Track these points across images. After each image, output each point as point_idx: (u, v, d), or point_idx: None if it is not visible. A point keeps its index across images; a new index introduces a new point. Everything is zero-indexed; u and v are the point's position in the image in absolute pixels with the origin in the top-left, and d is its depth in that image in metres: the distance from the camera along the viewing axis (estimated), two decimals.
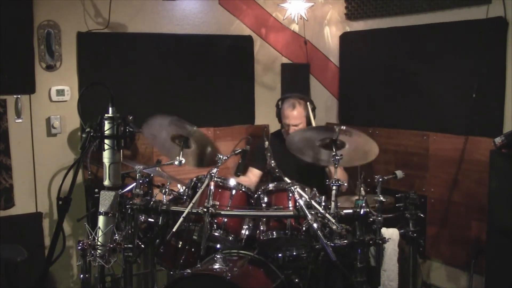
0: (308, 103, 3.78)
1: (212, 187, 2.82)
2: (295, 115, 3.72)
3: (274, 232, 2.96)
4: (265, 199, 3.07)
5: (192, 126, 3.09)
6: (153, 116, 3.15)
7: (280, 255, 3.09)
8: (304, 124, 3.76)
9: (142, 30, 3.98)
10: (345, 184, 3.06)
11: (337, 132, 2.93)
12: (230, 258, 3.03)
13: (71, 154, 3.78)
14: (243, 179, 3.62)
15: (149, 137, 3.42)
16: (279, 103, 3.84)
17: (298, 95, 3.83)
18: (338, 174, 3.81)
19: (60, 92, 3.70)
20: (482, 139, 3.45)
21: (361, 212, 2.78)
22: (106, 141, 2.45)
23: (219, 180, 3.05)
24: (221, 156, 2.94)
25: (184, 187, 3.21)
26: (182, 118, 3.14)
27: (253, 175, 3.90)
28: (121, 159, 2.51)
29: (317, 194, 3.04)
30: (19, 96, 3.57)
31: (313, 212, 2.74)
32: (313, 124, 3.85)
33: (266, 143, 3.39)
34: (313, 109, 3.80)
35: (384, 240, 2.85)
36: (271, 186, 3.10)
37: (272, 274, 3.02)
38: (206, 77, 4.28)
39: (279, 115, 3.83)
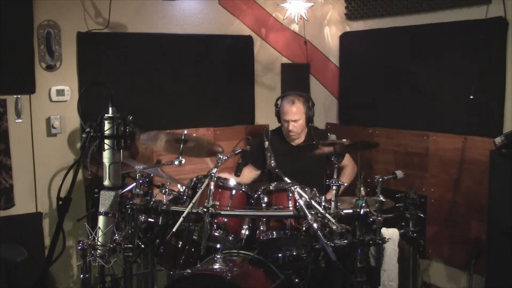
0: (307, 100, 3.79)
1: (212, 187, 2.82)
2: (294, 110, 3.71)
3: (274, 232, 2.96)
4: (265, 199, 3.07)
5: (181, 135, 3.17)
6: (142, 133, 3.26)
7: (280, 255, 3.09)
8: (303, 121, 3.74)
9: (142, 30, 3.98)
10: (345, 184, 3.06)
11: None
12: (230, 258, 3.03)
13: (71, 154, 3.78)
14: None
15: (149, 143, 3.56)
16: (278, 102, 3.84)
17: (297, 92, 3.82)
18: (348, 170, 3.84)
19: (60, 92, 3.70)
20: (482, 139, 3.45)
21: (361, 212, 2.79)
22: (106, 141, 2.46)
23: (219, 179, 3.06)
24: (221, 156, 2.94)
25: (184, 187, 3.21)
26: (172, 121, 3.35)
27: (249, 171, 3.89)
28: (121, 159, 2.51)
29: (317, 194, 3.04)
30: (19, 96, 3.56)
31: (313, 212, 2.74)
32: (313, 121, 3.85)
33: (266, 143, 3.40)
34: (312, 106, 3.79)
35: (384, 240, 2.85)
36: (271, 186, 3.10)
37: (272, 274, 3.02)
38: (206, 77, 4.27)
39: (279, 114, 3.82)
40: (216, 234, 2.98)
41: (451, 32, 3.62)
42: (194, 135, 3.25)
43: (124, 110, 2.52)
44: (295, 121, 3.71)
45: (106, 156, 2.48)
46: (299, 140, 3.82)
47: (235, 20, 4.42)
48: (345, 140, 3.08)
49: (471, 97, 3.45)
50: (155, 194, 3.19)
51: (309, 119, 3.77)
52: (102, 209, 2.49)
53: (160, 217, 3.03)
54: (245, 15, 4.45)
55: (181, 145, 3.15)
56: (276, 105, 3.85)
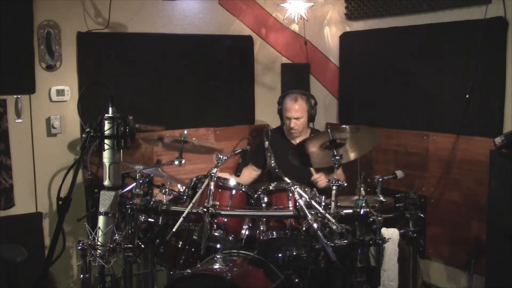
0: (310, 98, 3.80)
1: (212, 187, 2.82)
2: (297, 108, 3.73)
3: (274, 232, 2.96)
4: (265, 199, 3.07)
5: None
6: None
7: (280, 255, 3.09)
8: (305, 119, 3.77)
9: (142, 30, 3.98)
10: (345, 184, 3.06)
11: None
12: (230, 258, 3.03)
13: (71, 154, 3.78)
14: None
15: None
16: (281, 100, 3.85)
17: (300, 91, 3.85)
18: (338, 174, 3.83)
19: (60, 92, 3.70)
20: (482, 139, 3.45)
21: (361, 212, 2.78)
22: (106, 141, 2.45)
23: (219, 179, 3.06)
24: (221, 156, 2.94)
25: (184, 187, 3.21)
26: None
27: (249, 171, 3.90)
28: (121, 159, 2.51)
29: (317, 194, 3.04)
30: (19, 96, 3.56)
31: (313, 212, 2.74)
32: (314, 120, 3.85)
33: (266, 143, 3.40)
34: (315, 105, 3.81)
35: (384, 240, 2.85)
36: (271, 186, 3.10)
37: (272, 274, 3.02)
38: (206, 77, 4.27)
39: (281, 111, 3.83)
40: (216, 234, 2.98)
41: (451, 32, 3.62)
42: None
43: (124, 110, 2.52)
44: (297, 118, 3.74)
45: (106, 156, 2.47)
46: (301, 138, 3.83)
47: (235, 20, 4.42)
48: (344, 126, 3.07)
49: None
50: (155, 194, 3.19)
51: (311, 118, 3.80)
52: (102, 209, 2.48)
53: (160, 217, 3.03)
54: (245, 15, 4.45)
55: (182, 145, 3.16)
56: (278, 102, 3.86)
